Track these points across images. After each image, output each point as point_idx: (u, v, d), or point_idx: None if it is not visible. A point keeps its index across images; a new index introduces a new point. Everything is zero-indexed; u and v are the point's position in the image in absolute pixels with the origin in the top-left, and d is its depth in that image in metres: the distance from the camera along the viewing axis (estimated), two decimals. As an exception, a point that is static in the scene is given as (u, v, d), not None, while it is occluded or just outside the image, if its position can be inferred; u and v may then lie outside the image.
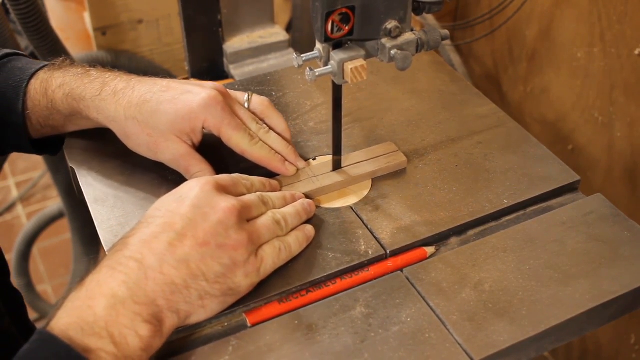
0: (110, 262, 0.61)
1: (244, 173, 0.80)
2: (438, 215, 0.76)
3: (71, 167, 0.84)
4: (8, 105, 0.79)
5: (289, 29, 1.56)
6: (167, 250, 0.61)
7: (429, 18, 1.47)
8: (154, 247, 0.62)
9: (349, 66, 0.69)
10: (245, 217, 0.66)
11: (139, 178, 0.81)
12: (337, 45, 0.70)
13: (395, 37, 0.69)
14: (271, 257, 0.67)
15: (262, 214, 0.69)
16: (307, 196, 0.77)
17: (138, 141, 0.77)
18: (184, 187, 0.67)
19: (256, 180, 0.74)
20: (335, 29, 0.67)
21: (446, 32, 0.73)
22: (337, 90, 0.74)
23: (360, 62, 0.69)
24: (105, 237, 0.74)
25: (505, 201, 0.77)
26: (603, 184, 1.30)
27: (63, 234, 2.08)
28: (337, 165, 0.80)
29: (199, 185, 0.66)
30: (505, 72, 1.48)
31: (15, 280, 1.65)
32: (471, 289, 0.68)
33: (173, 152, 0.76)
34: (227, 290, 0.64)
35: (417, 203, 0.77)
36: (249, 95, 0.81)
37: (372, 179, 0.80)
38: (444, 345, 0.63)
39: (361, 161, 0.81)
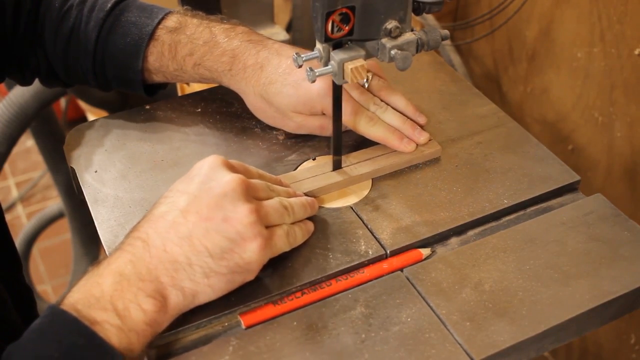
0: (122, 244, 0.64)
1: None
2: (438, 215, 0.76)
3: (71, 167, 0.84)
4: (127, 62, 0.85)
5: (289, 29, 1.56)
6: (170, 228, 0.63)
7: (429, 18, 1.47)
8: (158, 226, 0.63)
9: (349, 66, 0.69)
10: (252, 193, 0.66)
11: (138, 178, 0.81)
12: (337, 45, 0.70)
13: (395, 37, 0.69)
14: (280, 238, 0.67)
15: (269, 198, 0.69)
16: (307, 195, 0.77)
17: (265, 114, 0.85)
18: (194, 167, 0.67)
19: (267, 174, 0.74)
20: (335, 29, 0.67)
21: (446, 32, 0.73)
22: (337, 90, 0.74)
23: (360, 62, 0.69)
24: (105, 237, 0.74)
25: (505, 201, 0.77)
26: (603, 184, 1.30)
27: (63, 234, 2.08)
28: (337, 165, 0.80)
29: (207, 162, 0.66)
30: (505, 72, 1.48)
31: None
32: (471, 289, 0.68)
33: (295, 124, 0.83)
34: (235, 267, 0.63)
35: (417, 203, 0.77)
36: (368, 77, 0.82)
37: (372, 179, 0.80)
38: (444, 345, 0.63)
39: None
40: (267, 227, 0.66)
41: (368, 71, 0.82)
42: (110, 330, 0.58)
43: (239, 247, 0.63)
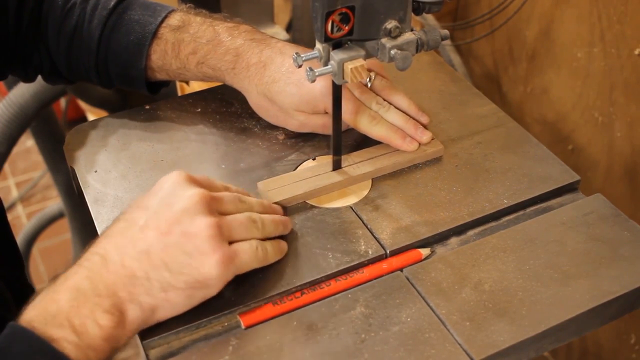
0: (80, 260, 0.63)
1: (243, 174, 0.81)
2: (438, 215, 0.76)
3: (71, 167, 0.84)
4: (130, 61, 0.85)
5: (289, 29, 1.56)
6: (129, 243, 0.62)
7: (429, 18, 1.47)
8: (117, 241, 0.63)
9: (348, 66, 0.69)
10: (215, 207, 0.65)
11: (139, 178, 0.81)
12: (337, 45, 0.70)
13: (395, 37, 0.69)
14: (246, 254, 0.65)
15: (238, 211, 0.67)
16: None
17: (267, 113, 0.86)
18: (157, 183, 0.66)
19: (233, 187, 0.72)
20: (335, 29, 0.67)
21: (446, 32, 0.73)
22: (337, 90, 0.74)
23: (360, 62, 0.69)
24: (105, 237, 0.74)
25: (505, 201, 0.77)
26: (603, 184, 1.30)
27: (63, 234, 2.08)
28: (337, 165, 0.80)
29: (170, 178, 0.66)
30: (505, 72, 1.48)
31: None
32: (471, 289, 0.68)
33: (298, 122, 0.84)
34: (194, 283, 0.62)
35: (417, 203, 0.77)
36: (371, 76, 0.82)
37: (372, 179, 0.80)
38: (444, 345, 0.63)
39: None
40: (233, 242, 0.64)
41: (371, 70, 0.83)
42: (68, 347, 0.57)
43: (197, 262, 0.62)
